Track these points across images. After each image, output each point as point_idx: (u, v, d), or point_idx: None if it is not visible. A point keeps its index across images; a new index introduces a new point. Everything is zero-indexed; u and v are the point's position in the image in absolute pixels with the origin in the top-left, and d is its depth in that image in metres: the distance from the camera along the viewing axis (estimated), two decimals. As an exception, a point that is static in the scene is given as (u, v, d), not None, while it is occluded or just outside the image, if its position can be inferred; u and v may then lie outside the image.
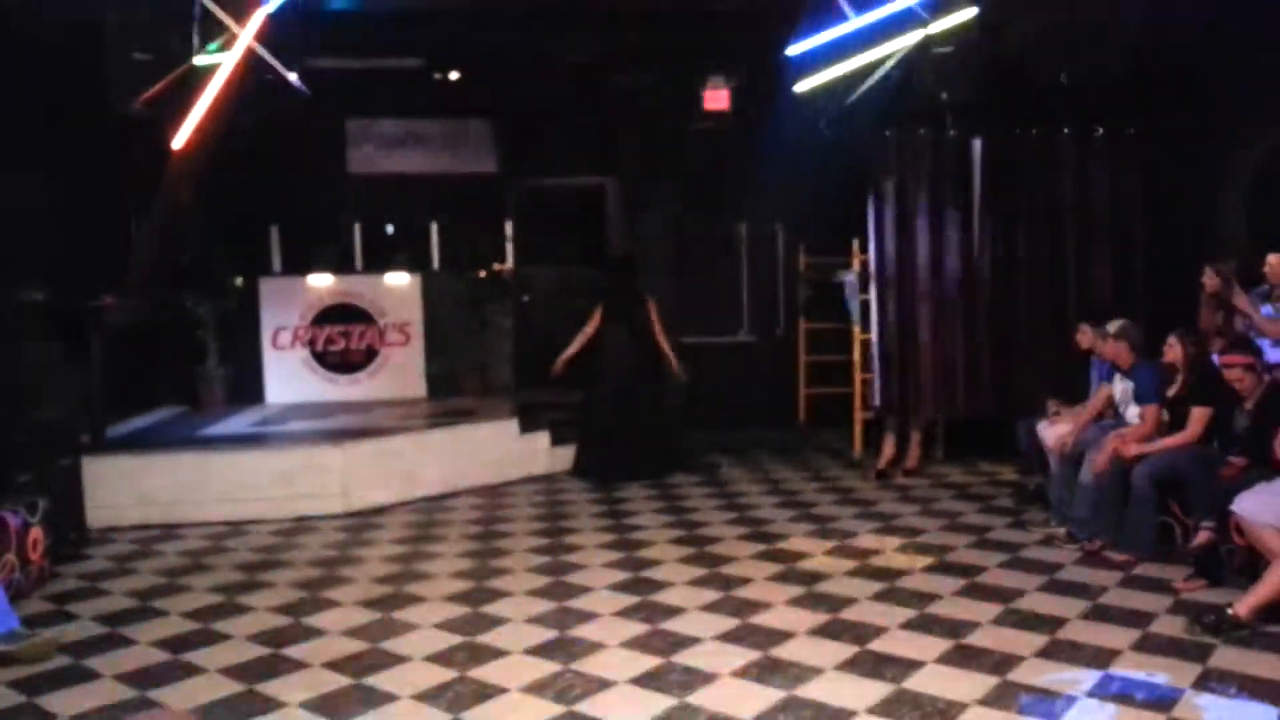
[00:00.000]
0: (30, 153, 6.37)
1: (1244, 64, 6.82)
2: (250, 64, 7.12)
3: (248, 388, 8.59)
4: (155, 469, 6.48)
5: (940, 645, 4.16)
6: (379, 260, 9.54)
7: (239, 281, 8.73)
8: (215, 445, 6.90)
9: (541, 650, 4.22)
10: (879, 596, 4.81)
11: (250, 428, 7.60)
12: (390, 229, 10.13)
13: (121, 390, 7.68)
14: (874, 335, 7.63)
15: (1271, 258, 5.86)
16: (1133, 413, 5.66)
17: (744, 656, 4.10)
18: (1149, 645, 4.12)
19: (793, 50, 7.13)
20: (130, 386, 7.93)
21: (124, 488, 6.36)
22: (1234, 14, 6.61)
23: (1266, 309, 5.84)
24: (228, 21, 6.72)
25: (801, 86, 7.66)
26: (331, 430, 7.33)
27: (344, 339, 8.76)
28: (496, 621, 4.58)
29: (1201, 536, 4.86)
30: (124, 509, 6.33)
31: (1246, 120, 7.06)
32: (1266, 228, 6.63)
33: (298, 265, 9.15)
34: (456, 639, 4.37)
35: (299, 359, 8.72)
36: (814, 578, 5.11)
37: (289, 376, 8.67)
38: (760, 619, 4.53)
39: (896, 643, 4.22)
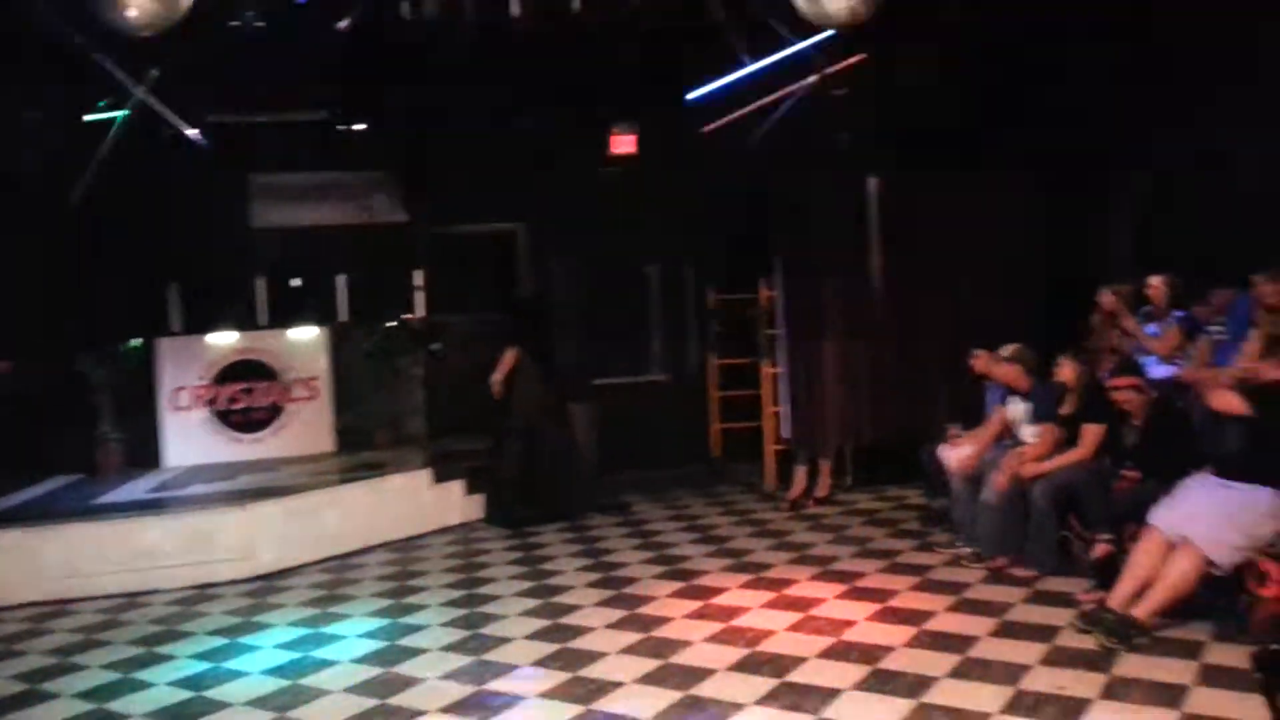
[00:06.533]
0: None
1: (1130, 95, 7.19)
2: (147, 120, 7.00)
3: (146, 451, 8.29)
4: (47, 541, 6.17)
5: (858, 672, 4.20)
6: (284, 315, 9.35)
7: (136, 342, 8.45)
8: (111, 513, 6.60)
9: (459, 708, 4.12)
10: (797, 627, 4.84)
11: (148, 493, 7.31)
12: (296, 282, 9.95)
13: (13, 459, 7.36)
14: (781, 369, 7.76)
15: (1153, 280, 6.18)
16: (1029, 432, 5.84)
17: (666, 698, 4.07)
18: (1057, 659, 4.22)
19: (695, 94, 7.30)
20: (23, 455, 7.65)
21: (14, 563, 6.05)
22: (1120, 50, 6.98)
23: (1151, 328, 6.13)
24: (123, 79, 6.59)
25: (706, 129, 7.82)
26: (235, 491, 7.09)
27: (247, 396, 8.52)
28: (411, 681, 4.46)
29: (1099, 549, 5.02)
30: (14, 586, 6.01)
31: (1132, 150, 7.43)
32: (1152, 252, 6.98)
33: (198, 323, 8.91)
34: (370, 702, 4.24)
35: (200, 419, 8.45)
36: (731, 613, 5.11)
37: (190, 438, 8.39)
38: (680, 658, 4.51)
39: (815, 672, 4.24)
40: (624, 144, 9.10)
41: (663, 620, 5.06)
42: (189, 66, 6.48)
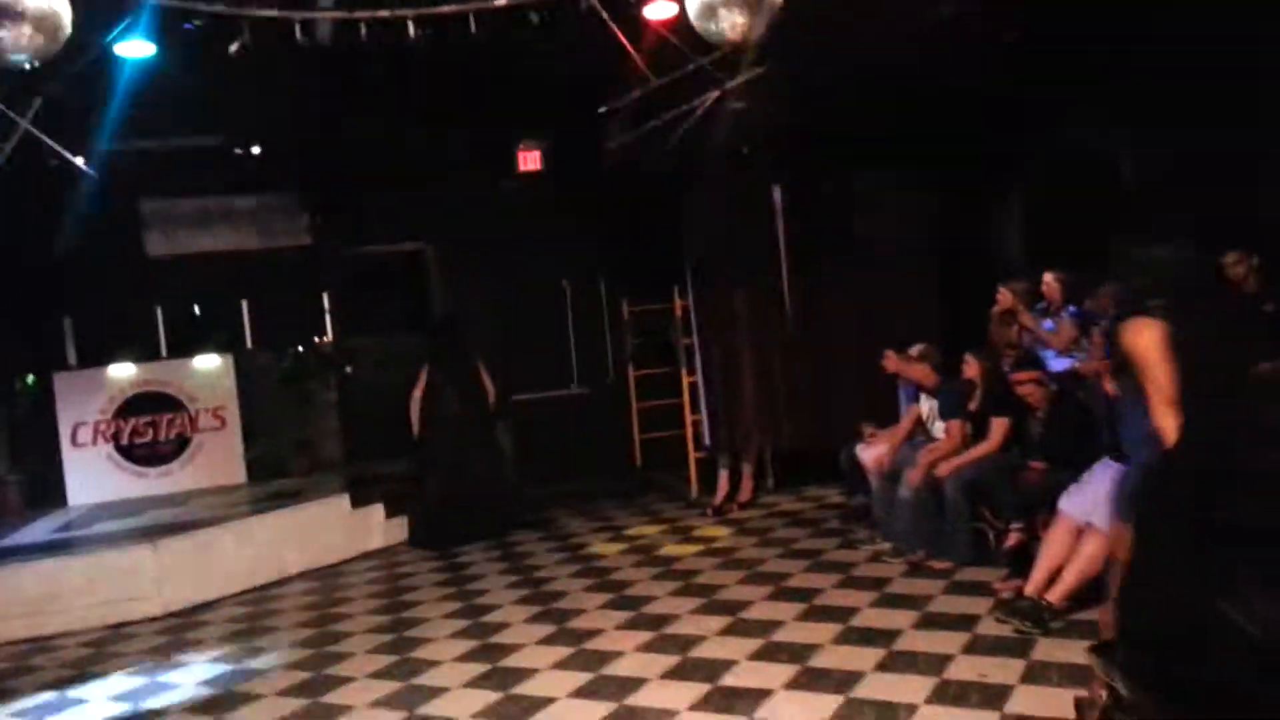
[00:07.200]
0: None
1: (1015, 98, 7.48)
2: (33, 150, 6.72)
3: (47, 491, 7.95)
4: (-57, 591, 5.87)
5: (788, 671, 4.27)
6: (186, 344, 9.07)
7: (30, 379, 8.10)
8: (14, 557, 6.31)
9: (389, 733, 4.06)
10: (727, 631, 4.89)
11: (52, 534, 7.01)
12: (197, 310, 9.67)
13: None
14: (699, 378, 7.86)
15: (1047, 276, 6.43)
16: (940, 428, 6.03)
17: (600, 710, 4.07)
18: (978, 647, 4.36)
19: (602, 109, 7.36)
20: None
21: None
22: (1003, 51, 7.26)
23: (1048, 323, 6.39)
24: (4, 110, 6.35)
25: (612, 143, 7.88)
26: (143, 528, 6.85)
27: (151, 429, 8.25)
28: (339, 711, 4.36)
29: (1012, 539, 5.21)
30: (-92, 640, 5.71)
31: (1019, 151, 7.73)
32: (1041, 249, 7.27)
33: (96, 356, 8.58)
34: (297, 734, 4.15)
35: (102, 455, 8.13)
36: (661, 621, 5.14)
37: (93, 475, 8.08)
38: (613, 669, 4.52)
39: (746, 674, 4.30)
40: (531, 160, 9.11)
41: (593, 633, 5.06)
42: (74, 94, 6.25)
